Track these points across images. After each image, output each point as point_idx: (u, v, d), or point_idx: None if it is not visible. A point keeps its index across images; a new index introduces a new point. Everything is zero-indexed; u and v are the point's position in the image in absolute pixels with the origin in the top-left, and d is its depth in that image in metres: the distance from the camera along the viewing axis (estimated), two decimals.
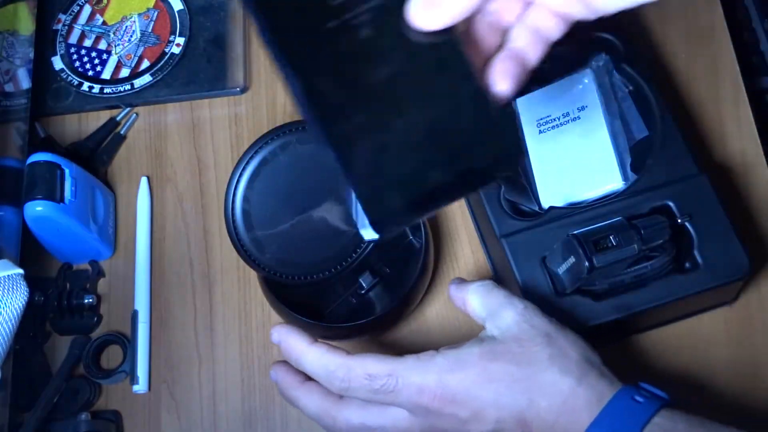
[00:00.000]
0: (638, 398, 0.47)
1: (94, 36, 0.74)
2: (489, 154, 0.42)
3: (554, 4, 0.44)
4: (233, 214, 0.57)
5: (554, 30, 0.45)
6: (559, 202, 0.59)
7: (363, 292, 0.58)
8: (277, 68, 0.41)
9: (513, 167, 0.43)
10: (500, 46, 0.45)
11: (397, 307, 0.58)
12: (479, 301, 0.52)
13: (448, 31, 0.41)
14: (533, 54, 0.44)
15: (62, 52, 0.74)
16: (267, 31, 0.41)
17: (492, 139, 0.42)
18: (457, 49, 0.42)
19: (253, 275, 0.66)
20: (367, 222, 0.42)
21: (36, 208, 0.61)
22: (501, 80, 0.43)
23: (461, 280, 0.55)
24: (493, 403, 0.47)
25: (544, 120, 0.62)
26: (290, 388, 0.53)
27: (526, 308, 0.50)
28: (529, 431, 0.47)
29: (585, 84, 0.61)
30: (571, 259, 0.54)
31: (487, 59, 0.44)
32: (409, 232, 0.60)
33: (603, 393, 0.47)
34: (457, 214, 0.66)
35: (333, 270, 0.56)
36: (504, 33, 0.45)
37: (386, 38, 0.41)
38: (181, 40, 0.73)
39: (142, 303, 0.65)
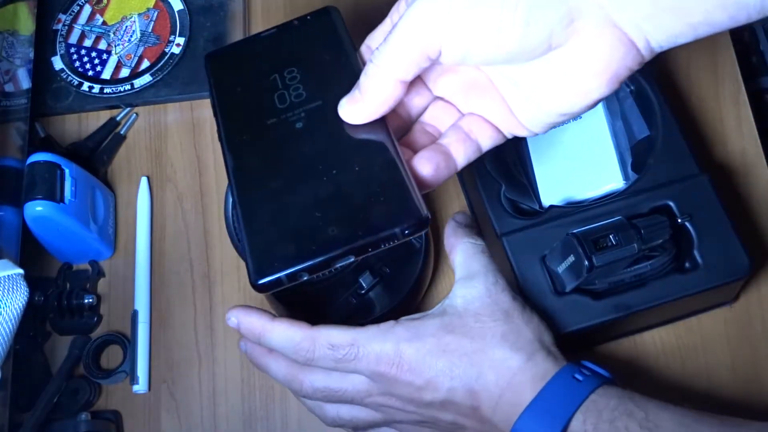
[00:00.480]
0: (578, 376, 0.49)
1: (94, 36, 0.74)
2: (389, 217, 0.43)
3: (487, 115, 0.47)
4: (235, 221, 0.57)
5: (487, 140, 0.48)
6: (560, 201, 0.59)
7: (363, 292, 0.58)
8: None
9: (416, 231, 0.44)
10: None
11: (397, 306, 0.58)
12: (461, 259, 0.55)
13: (377, 125, 0.46)
14: (460, 156, 0.47)
15: (62, 52, 0.74)
16: (217, 110, 0.50)
17: (395, 204, 0.44)
18: (381, 129, 0.46)
19: None
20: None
21: (36, 208, 0.60)
22: (425, 164, 0.46)
23: (463, 219, 0.58)
24: (446, 373, 0.50)
25: None
26: (260, 356, 0.55)
27: (496, 283, 0.53)
28: (477, 402, 0.50)
29: None
30: (571, 258, 0.54)
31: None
32: None
33: (547, 371, 0.50)
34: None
35: (333, 270, 0.56)
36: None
37: (317, 128, 0.47)
38: (181, 40, 0.73)
39: (142, 303, 0.65)
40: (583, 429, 0.48)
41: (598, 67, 0.41)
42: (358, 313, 0.58)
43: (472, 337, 0.51)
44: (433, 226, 0.64)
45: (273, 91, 0.50)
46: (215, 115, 0.51)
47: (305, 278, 0.43)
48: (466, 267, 0.55)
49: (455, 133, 0.48)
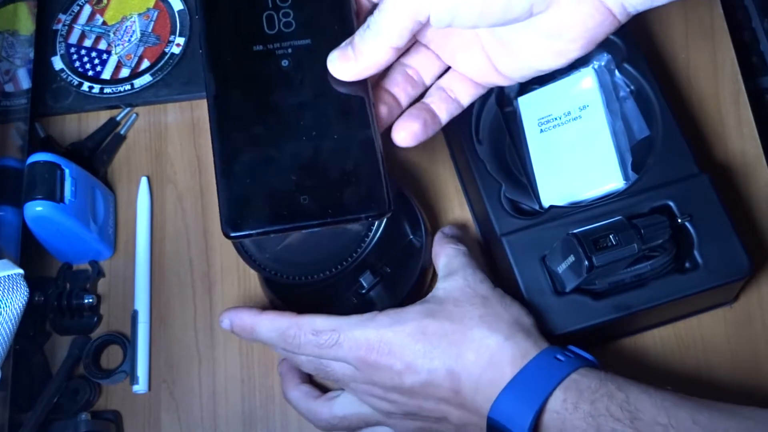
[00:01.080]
0: (560, 357, 0.50)
1: (94, 36, 0.74)
2: (358, 201, 0.46)
3: (468, 73, 0.51)
4: None
5: (467, 96, 0.52)
6: (560, 201, 0.59)
7: (364, 291, 0.58)
8: (202, 69, 0.47)
9: (377, 219, 0.48)
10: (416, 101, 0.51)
11: (398, 306, 0.58)
12: (445, 262, 0.57)
13: (360, 83, 0.47)
14: (444, 114, 0.51)
15: (62, 52, 0.74)
16: (203, 31, 0.47)
17: (365, 189, 0.46)
18: (363, 101, 0.47)
19: (253, 275, 0.66)
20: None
21: (36, 208, 0.60)
22: (413, 121, 0.49)
23: (450, 231, 0.60)
24: (426, 354, 0.51)
25: (546, 119, 0.62)
26: (247, 328, 0.56)
27: (474, 274, 0.55)
28: (458, 382, 0.51)
29: (587, 83, 0.61)
30: (571, 258, 0.54)
31: (398, 110, 0.50)
32: (409, 231, 0.60)
33: (528, 350, 0.51)
34: (458, 213, 0.66)
35: (334, 270, 0.56)
36: (421, 87, 0.52)
37: (302, 73, 0.47)
38: (181, 40, 0.73)
39: (142, 303, 0.65)
40: (563, 407, 0.48)
41: (575, 33, 0.44)
42: (360, 313, 0.58)
43: (451, 320, 0.52)
44: (434, 226, 0.64)
45: (262, 9, 0.48)
46: (200, 39, 0.48)
47: (273, 235, 0.46)
48: (448, 268, 0.56)
49: (437, 93, 0.51)
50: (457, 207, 0.66)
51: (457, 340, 0.51)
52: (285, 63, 0.47)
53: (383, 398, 0.53)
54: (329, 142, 0.47)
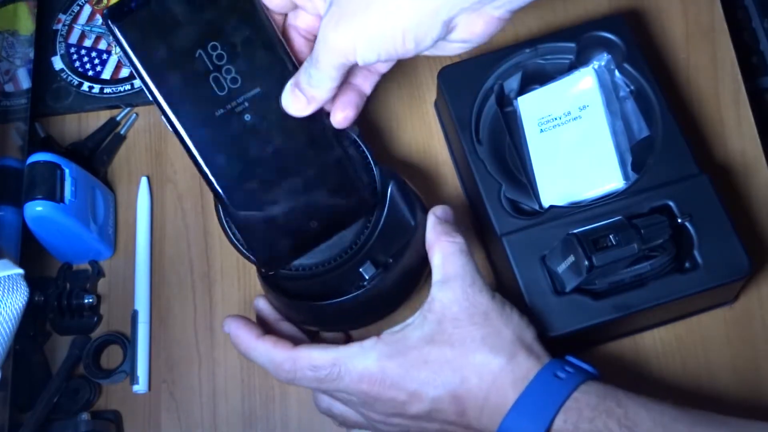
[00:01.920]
0: (560, 374, 0.50)
1: (94, 36, 0.74)
2: (352, 207, 0.55)
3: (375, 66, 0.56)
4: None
5: (383, 67, 0.56)
6: (560, 201, 0.59)
7: (365, 283, 0.58)
8: (185, 150, 0.52)
9: (368, 214, 0.56)
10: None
11: (399, 297, 0.58)
12: (439, 261, 0.54)
13: (314, 114, 0.53)
14: (368, 87, 0.55)
15: (62, 52, 0.74)
16: (167, 115, 0.51)
17: (354, 195, 0.55)
18: (323, 125, 0.54)
19: (253, 275, 0.66)
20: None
21: (36, 208, 0.60)
22: (347, 108, 0.54)
23: (443, 214, 0.56)
24: (429, 383, 0.51)
25: (546, 119, 0.62)
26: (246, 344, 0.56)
27: (473, 285, 0.53)
28: (462, 406, 0.50)
29: (587, 83, 0.61)
30: (571, 258, 0.54)
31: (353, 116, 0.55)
32: (410, 219, 0.59)
33: (530, 370, 0.50)
34: (458, 212, 0.66)
35: (333, 261, 0.56)
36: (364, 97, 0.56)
37: (266, 121, 0.52)
38: None
39: (142, 303, 0.65)
40: (564, 428, 0.48)
41: (472, 43, 0.51)
42: (361, 306, 0.58)
43: (452, 344, 0.51)
44: None
45: (206, 73, 0.51)
46: (149, 91, 0.51)
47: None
48: (443, 269, 0.53)
49: (360, 72, 0.55)
50: (457, 207, 0.66)
51: (460, 365, 0.50)
52: (247, 117, 0.52)
53: (385, 422, 0.53)
54: (312, 168, 0.54)
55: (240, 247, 0.56)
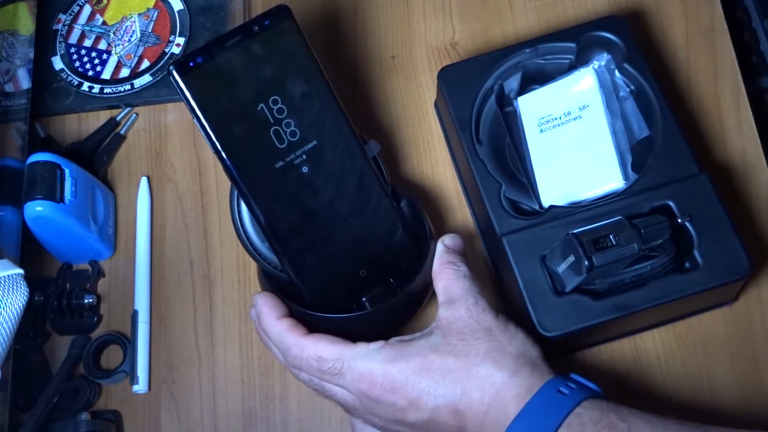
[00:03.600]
0: (563, 390, 0.49)
1: (94, 36, 0.74)
2: (398, 257, 0.57)
3: None
4: (239, 210, 0.57)
5: None
6: (560, 201, 0.59)
7: (366, 299, 0.58)
8: (243, 200, 0.54)
9: (408, 261, 0.58)
10: None
11: (399, 299, 0.58)
12: (443, 285, 0.55)
13: (360, 160, 0.55)
14: None
15: (62, 52, 0.74)
16: (230, 168, 0.52)
17: (399, 245, 0.57)
18: (371, 172, 0.56)
19: (253, 275, 0.66)
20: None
21: (36, 208, 0.61)
22: None
23: (451, 243, 0.57)
24: (429, 392, 0.50)
25: (546, 119, 0.62)
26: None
27: (476, 304, 0.53)
28: (462, 421, 0.50)
29: (587, 83, 0.61)
30: (571, 258, 0.54)
31: None
32: (416, 242, 0.59)
33: (532, 385, 0.50)
34: (458, 213, 0.66)
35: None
36: None
37: (321, 173, 0.54)
38: (181, 40, 0.73)
39: (142, 303, 0.65)
40: None
41: None
42: (360, 325, 0.58)
43: (456, 355, 0.51)
44: (436, 225, 0.64)
45: (268, 126, 0.53)
46: (211, 144, 0.52)
47: None
48: (447, 292, 0.55)
49: None
50: (457, 207, 0.66)
51: (462, 377, 0.50)
52: (305, 170, 0.54)
53: (384, 427, 0.53)
54: (363, 218, 0.56)
55: (253, 252, 0.57)
